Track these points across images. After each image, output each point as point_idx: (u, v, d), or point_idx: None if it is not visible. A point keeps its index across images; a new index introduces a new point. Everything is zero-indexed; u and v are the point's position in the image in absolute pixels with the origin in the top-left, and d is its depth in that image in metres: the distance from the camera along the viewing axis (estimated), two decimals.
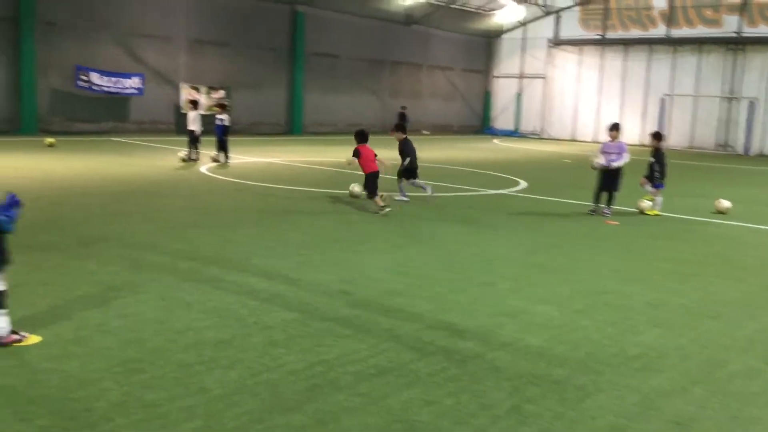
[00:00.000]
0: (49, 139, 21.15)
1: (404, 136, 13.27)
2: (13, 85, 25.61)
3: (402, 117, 39.49)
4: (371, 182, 11.73)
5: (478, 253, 8.71)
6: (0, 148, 19.62)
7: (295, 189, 14.15)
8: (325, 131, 36.20)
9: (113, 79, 27.87)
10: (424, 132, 40.43)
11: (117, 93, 28.12)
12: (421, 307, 6.29)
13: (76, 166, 16.44)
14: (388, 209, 11.43)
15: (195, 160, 18.45)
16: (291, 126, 34.83)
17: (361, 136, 12.26)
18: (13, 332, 4.92)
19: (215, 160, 18.52)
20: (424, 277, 7.40)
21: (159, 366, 4.66)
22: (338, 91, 36.82)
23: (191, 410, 4.02)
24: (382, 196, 11.66)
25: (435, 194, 13.11)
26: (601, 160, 12.08)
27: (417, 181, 13.18)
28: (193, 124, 18.72)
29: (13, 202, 4.79)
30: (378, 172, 11.90)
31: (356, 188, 12.72)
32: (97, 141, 23.97)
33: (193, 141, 18.65)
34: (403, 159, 13.03)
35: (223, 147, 18.41)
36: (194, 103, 19.60)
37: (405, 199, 13.08)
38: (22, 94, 25.70)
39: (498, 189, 15.63)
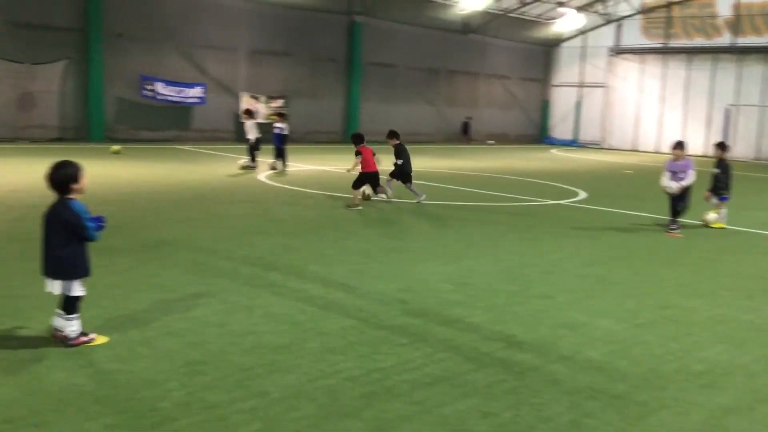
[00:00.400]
0: (115, 147, 21.87)
1: (397, 141, 14.03)
2: (81, 93, 26.60)
3: (465, 127, 39.52)
4: (366, 180, 12.93)
5: (536, 265, 8.62)
6: (69, 154, 20.38)
7: (351, 197, 14.23)
8: (381, 140, 36.35)
9: (177, 88, 28.67)
10: (489, 142, 40.35)
11: (180, 102, 28.91)
12: (478, 317, 6.25)
13: (141, 172, 16.94)
14: (358, 208, 12.51)
15: (253, 168, 18.80)
16: (347, 135, 35.12)
17: (359, 138, 13.42)
18: (82, 334, 5.10)
19: (273, 167, 18.84)
20: (482, 287, 7.35)
21: (220, 368, 4.76)
22: (394, 100, 36.99)
23: (251, 413, 4.10)
24: (366, 195, 13.10)
25: (425, 200, 13.61)
26: (672, 185, 11.50)
27: (411, 186, 13.78)
28: (250, 132, 19.16)
29: (101, 225, 5.10)
30: (377, 173, 12.96)
31: (368, 190, 13.34)
32: (160, 149, 24.67)
33: (251, 149, 19.05)
34: (397, 161, 13.78)
35: (281, 155, 18.72)
36: (249, 113, 20.05)
37: (422, 196, 13.65)
38: (89, 103, 26.67)
39: (557, 199, 15.42)
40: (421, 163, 24.24)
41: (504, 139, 42.21)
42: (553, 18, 40.77)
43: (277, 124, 19.14)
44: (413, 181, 13.82)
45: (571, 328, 6.06)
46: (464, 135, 39.39)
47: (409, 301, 6.70)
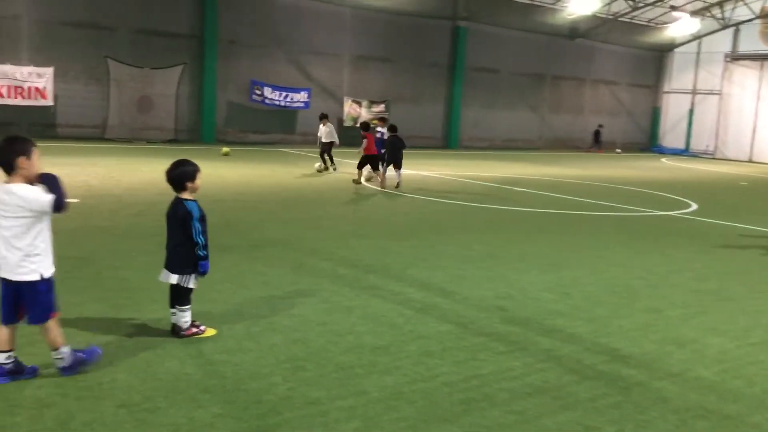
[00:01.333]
0: (225, 149, 22.79)
1: (392, 134, 17.10)
2: (195, 97, 27.88)
3: (597, 135, 38.84)
4: (367, 161, 16.73)
5: (642, 277, 8.30)
6: (181, 155, 21.38)
7: (451, 203, 14.24)
8: (481, 146, 36.11)
9: (284, 93, 29.55)
10: (617, 150, 39.45)
11: (286, 106, 29.77)
12: (581, 329, 6.10)
13: (248, 173, 17.57)
14: (363, 182, 16.67)
15: (321, 171, 19.15)
16: (447, 140, 35.09)
17: (366, 126, 17.44)
18: (193, 325, 5.35)
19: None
20: (585, 298, 7.16)
21: (321, 365, 4.87)
22: (497, 105, 36.63)
23: (351, 411, 4.17)
24: (366, 176, 16.96)
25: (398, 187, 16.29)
26: None
27: (379, 170, 16.80)
28: (325, 136, 19.52)
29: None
30: (375, 155, 16.80)
31: (366, 173, 17.06)
32: (266, 151, 25.49)
33: (325, 152, 19.44)
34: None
35: (380, 159, 18.97)
36: (325, 117, 20.22)
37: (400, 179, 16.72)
38: (203, 107, 27.91)
39: (666, 210, 14.81)
40: (523, 169, 23.88)
41: (610, 147, 40.96)
42: (666, 23, 39.20)
43: (379, 129, 19.39)
44: (381, 169, 16.61)
45: (679, 345, 5.80)
46: (596, 143, 38.62)
47: (509, 308, 6.61)
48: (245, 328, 5.54)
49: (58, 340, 4.37)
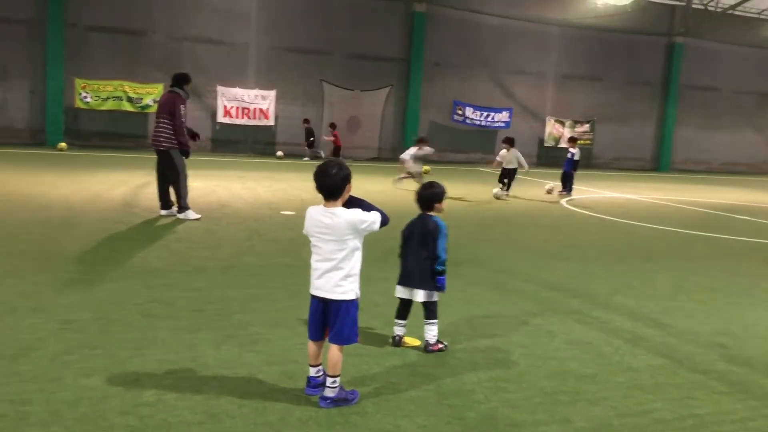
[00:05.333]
0: (425, 167, 23.33)
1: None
2: (399, 118, 28.90)
3: None
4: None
5: None
6: (383, 173, 22.23)
7: (661, 228, 13.39)
8: (696, 170, 33.69)
9: (484, 113, 29.72)
10: None
11: (486, 126, 29.91)
12: None
13: (448, 192, 17.78)
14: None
15: (499, 198, 17.36)
16: (657, 163, 33.17)
17: (333, 125, 25.94)
18: (439, 341, 5.48)
19: (558, 191, 18.85)
20: None
21: (524, 388, 4.78)
22: (715, 126, 34.00)
23: None
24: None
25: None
26: None
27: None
28: (507, 163, 17.56)
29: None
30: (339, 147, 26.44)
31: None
32: (465, 170, 25.70)
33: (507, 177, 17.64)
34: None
35: (567, 180, 18.79)
36: (508, 141, 18.01)
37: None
38: (406, 126, 28.85)
39: None
40: (747, 196, 21.89)
41: None
42: None
43: (571, 149, 19.06)
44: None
45: None
46: None
47: (729, 346, 6.06)
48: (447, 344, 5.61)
49: (338, 367, 4.29)
